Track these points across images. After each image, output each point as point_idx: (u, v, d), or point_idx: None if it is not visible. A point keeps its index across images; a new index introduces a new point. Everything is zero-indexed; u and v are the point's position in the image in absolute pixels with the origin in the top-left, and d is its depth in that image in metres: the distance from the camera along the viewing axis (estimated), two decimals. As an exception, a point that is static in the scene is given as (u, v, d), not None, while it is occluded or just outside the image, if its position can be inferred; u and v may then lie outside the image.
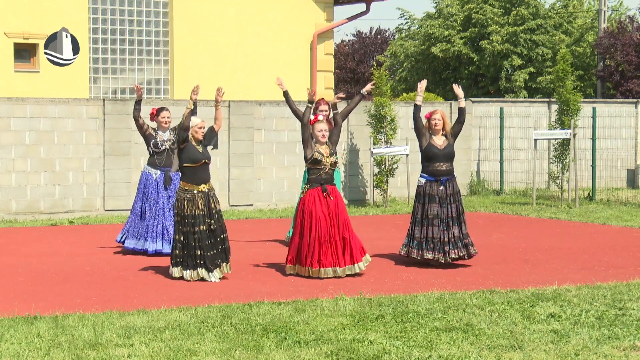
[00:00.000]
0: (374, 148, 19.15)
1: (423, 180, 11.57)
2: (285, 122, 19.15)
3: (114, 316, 8.37)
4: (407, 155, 19.43)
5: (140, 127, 12.62)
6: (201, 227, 10.54)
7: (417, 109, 11.59)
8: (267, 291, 9.76)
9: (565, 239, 14.28)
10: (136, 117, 12.59)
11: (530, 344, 7.41)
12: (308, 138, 10.88)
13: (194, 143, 10.72)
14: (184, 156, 10.67)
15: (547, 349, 7.27)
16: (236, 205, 18.56)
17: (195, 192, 10.60)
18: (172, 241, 10.96)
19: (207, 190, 10.66)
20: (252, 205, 18.78)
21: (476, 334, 7.73)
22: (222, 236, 10.67)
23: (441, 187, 11.49)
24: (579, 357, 7.05)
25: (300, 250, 10.72)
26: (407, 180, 19.59)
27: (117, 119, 17.66)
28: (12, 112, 16.96)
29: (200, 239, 10.51)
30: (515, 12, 32.33)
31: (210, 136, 11.06)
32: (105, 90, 21.26)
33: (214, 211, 10.64)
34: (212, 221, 10.61)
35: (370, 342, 7.43)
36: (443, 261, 11.39)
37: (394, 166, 19.58)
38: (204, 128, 10.78)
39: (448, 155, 11.58)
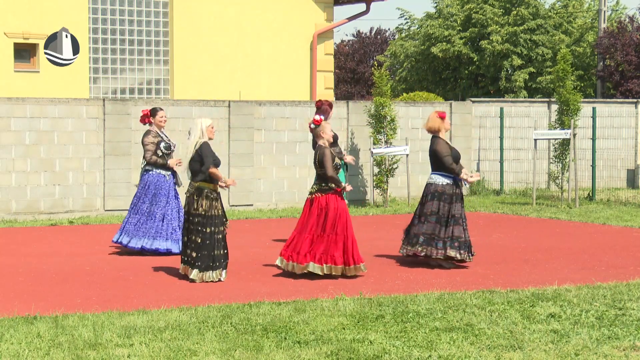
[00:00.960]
0: (374, 148, 19.13)
1: (449, 181, 11.54)
2: (285, 122, 19.14)
3: (114, 316, 8.37)
4: (407, 155, 19.42)
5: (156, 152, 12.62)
6: (222, 227, 10.55)
7: (459, 173, 11.58)
8: (267, 291, 9.76)
9: (565, 239, 14.28)
10: (150, 157, 12.60)
11: (530, 344, 7.41)
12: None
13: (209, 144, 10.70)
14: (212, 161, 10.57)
15: (547, 349, 7.27)
16: (236, 205, 18.55)
17: (217, 192, 10.60)
18: (186, 243, 10.70)
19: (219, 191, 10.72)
20: (252, 205, 18.77)
21: (476, 334, 7.73)
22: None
23: (464, 188, 11.72)
24: (579, 357, 7.05)
25: (345, 250, 10.56)
26: (407, 180, 19.59)
27: (117, 119, 17.65)
28: (12, 112, 16.95)
29: (222, 239, 10.52)
30: (515, 12, 32.33)
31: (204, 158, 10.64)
32: (105, 90, 21.26)
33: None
34: (228, 222, 10.73)
35: (370, 342, 7.43)
36: (469, 260, 11.44)
37: (394, 166, 19.57)
38: (213, 127, 10.71)
39: (458, 159, 11.77)
